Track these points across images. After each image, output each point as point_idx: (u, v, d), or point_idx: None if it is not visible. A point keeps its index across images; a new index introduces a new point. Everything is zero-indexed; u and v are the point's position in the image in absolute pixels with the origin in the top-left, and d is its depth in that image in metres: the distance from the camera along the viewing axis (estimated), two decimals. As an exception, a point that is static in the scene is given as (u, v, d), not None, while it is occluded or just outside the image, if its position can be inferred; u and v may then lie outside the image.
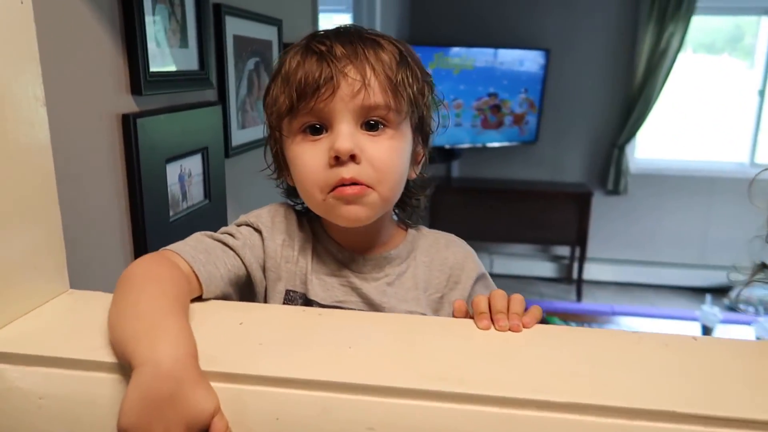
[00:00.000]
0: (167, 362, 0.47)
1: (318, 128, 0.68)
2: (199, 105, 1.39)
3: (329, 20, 4.13)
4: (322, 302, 0.72)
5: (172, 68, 1.26)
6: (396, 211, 0.80)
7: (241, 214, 1.60)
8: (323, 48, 0.66)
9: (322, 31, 0.71)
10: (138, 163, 1.13)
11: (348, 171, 0.66)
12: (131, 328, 0.51)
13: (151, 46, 1.16)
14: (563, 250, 4.57)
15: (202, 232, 0.73)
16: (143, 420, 0.45)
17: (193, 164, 1.39)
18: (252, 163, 1.79)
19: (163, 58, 1.22)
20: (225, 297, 0.68)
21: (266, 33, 1.80)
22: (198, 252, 0.67)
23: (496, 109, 4.30)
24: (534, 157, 4.55)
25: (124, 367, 0.51)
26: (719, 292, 4.41)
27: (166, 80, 1.23)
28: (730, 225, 4.43)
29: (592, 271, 4.51)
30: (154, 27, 1.18)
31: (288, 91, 0.67)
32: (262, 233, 0.74)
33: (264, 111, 0.75)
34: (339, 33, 0.69)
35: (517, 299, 0.61)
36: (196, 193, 1.41)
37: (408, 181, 0.74)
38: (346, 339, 0.55)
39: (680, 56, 4.19)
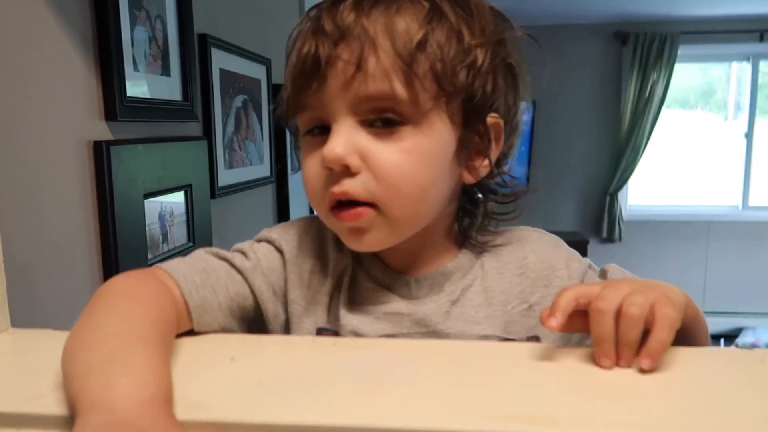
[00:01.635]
0: (126, 406, 0.33)
1: (322, 127, 0.52)
2: (183, 138, 1.28)
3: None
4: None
5: (152, 96, 1.15)
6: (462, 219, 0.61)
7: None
8: (326, 19, 0.50)
9: None
10: (111, 195, 1.00)
11: (340, 186, 0.50)
12: (85, 359, 0.37)
13: (128, 69, 1.05)
14: (562, 301, 4.43)
15: (207, 249, 0.58)
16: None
17: (176, 203, 1.26)
18: (241, 207, 1.66)
19: (141, 84, 1.11)
20: (225, 332, 0.53)
21: (255, 71, 1.71)
22: (194, 272, 0.52)
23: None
24: (525, 205, 4.47)
25: (66, 421, 0.37)
26: (725, 338, 4.28)
27: (145, 107, 1.12)
28: (728, 269, 4.35)
29: (593, 322, 4.37)
30: (133, 49, 1.07)
31: (286, 81, 0.54)
32: (284, 255, 0.58)
33: None
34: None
35: (631, 319, 0.40)
36: (178, 235, 1.27)
37: (468, 186, 0.58)
38: (377, 373, 0.41)
39: (665, 104, 4.22)
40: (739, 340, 4.20)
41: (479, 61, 0.51)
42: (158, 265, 0.53)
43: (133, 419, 0.32)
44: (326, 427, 0.35)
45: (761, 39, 4.23)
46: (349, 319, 0.56)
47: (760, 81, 4.37)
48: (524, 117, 0.60)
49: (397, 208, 0.51)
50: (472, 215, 0.60)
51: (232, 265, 0.56)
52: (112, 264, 1.02)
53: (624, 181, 4.39)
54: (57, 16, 0.90)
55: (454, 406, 0.36)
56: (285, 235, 0.59)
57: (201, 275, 0.52)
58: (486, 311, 0.56)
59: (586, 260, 0.60)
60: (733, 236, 4.37)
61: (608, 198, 4.40)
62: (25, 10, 0.84)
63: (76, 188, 0.96)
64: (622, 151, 4.35)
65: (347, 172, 0.50)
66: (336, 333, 0.56)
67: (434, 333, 0.55)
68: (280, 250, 0.58)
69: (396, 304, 0.56)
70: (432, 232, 0.57)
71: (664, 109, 4.31)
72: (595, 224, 4.49)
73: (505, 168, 0.59)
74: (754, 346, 4.18)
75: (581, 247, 4.16)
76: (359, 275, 0.58)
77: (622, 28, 4.22)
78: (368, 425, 0.35)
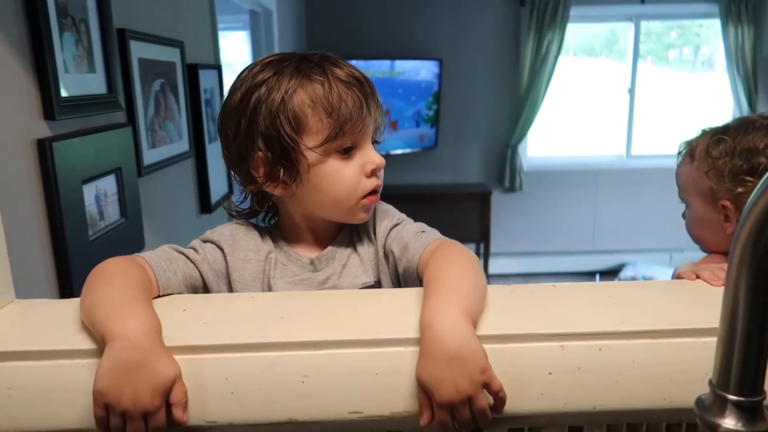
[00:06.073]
0: (135, 336, 0.57)
1: (350, 148, 0.80)
2: (110, 127, 1.44)
3: (227, 39, 4.16)
4: None
5: (82, 92, 1.30)
6: None
7: (156, 232, 1.66)
8: (349, 79, 0.78)
9: (305, 55, 0.81)
10: (56, 185, 1.17)
11: (379, 180, 0.83)
12: (104, 311, 0.60)
13: (60, 72, 1.20)
14: (469, 248, 4.79)
15: (170, 245, 0.81)
16: (115, 384, 0.54)
17: (108, 184, 1.43)
18: (165, 181, 1.83)
19: (72, 84, 1.26)
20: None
21: (169, 55, 1.85)
22: (161, 260, 0.76)
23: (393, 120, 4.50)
24: (435, 161, 4.79)
25: (87, 352, 0.60)
26: (610, 273, 4.84)
27: (77, 104, 1.27)
28: (614, 212, 4.88)
29: (497, 265, 4.80)
30: (63, 54, 1.22)
31: (334, 118, 0.77)
32: (224, 250, 0.82)
33: (263, 130, 0.78)
34: (331, 59, 0.81)
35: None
36: (112, 213, 1.45)
37: None
38: (278, 312, 0.66)
39: (560, 61, 4.58)
40: (621, 274, 4.77)
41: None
42: (136, 254, 0.75)
43: (140, 343, 0.56)
44: (251, 344, 0.59)
45: (642, 1, 4.65)
46: (275, 287, 0.82)
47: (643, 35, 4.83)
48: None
49: None
50: None
51: (187, 257, 0.80)
52: (60, 242, 1.20)
53: (523, 134, 4.74)
54: (-4, 33, 1.05)
55: (324, 326, 0.62)
56: (221, 235, 0.84)
57: (166, 262, 0.76)
58: (361, 268, 0.85)
59: (397, 218, 0.87)
60: (618, 183, 4.87)
61: (510, 151, 4.75)
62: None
63: (25, 180, 1.12)
64: (521, 107, 4.68)
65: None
66: None
67: (334, 287, 0.83)
68: (220, 248, 0.83)
69: (305, 274, 0.84)
70: None
71: (571, 57, 4.66)
72: (498, 175, 4.85)
73: None
74: (633, 278, 4.76)
75: (486, 198, 4.53)
76: (280, 259, 0.84)
77: (520, -10, 4.51)
78: (276, 341, 0.60)
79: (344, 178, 0.80)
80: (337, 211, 0.82)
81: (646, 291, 0.71)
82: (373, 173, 0.81)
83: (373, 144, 0.83)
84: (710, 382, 0.46)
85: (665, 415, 0.62)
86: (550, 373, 0.60)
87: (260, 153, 0.79)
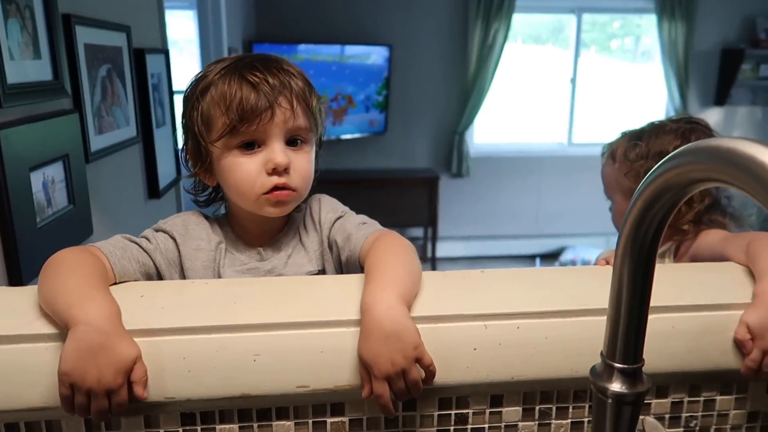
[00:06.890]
0: (97, 320, 0.61)
1: (252, 144, 0.82)
2: (57, 114, 1.44)
3: (174, 18, 4.09)
4: None
5: (28, 79, 1.30)
6: None
7: (104, 218, 1.67)
8: (257, 79, 0.80)
9: (247, 56, 0.84)
10: (3, 173, 1.17)
11: (281, 178, 0.83)
12: (65, 300, 0.64)
13: (6, 59, 1.20)
14: (417, 232, 4.94)
15: (122, 235, 0.84)
16: (80, 365, 0.59)
17: (56, 171, 1.43)
18: (113, 167, 1.83)
19: (18, 71, 1.26)
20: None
21: (116, 40, 1.84)
22: (116, 249, 0.79)
23: (346, 103, 4.54)
24: (384, 146, 4.86)
25: (49, 336, 0.64)
26: (551, 256, 5.05)
27: (24, 91, 1.27)
28: (556, 198, 5.08)
29: (444, 249, 4.94)
30: (8, 41, 1.22)
31: (228, 115, 0.80)
32: (176, 240, 0.86)
33: (186, 121, 0.86)
34: (264, 61, 0.83)
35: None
36: (60, 199, 1.46)
37: None
38: (231, 297, 0.72)
39: (506, 49, 4.70)
40: (562, 257, 4.99)
41: (322, 110, 0.88)
42: (90, 245, 0.79)
43: (102, 327, 0.61)
44: (207, 326, 0.65)
45: (585, -7, 4.82)
46: (225, 276, 0.87)
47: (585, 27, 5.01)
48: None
49: (304, 191, 0.87)
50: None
51: (140, 246, 0.83)
52: (7, 229, 1.21)
53: (470, 121, 4.86)
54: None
55: (273, 310, 0.68)
56: (174, 225, 0.88)
57: (121, 251, 0.79)
58: (306, 258, 0.91)
59: (340, 210, 0.92)
60: (560, 170, 5.06)
61: (457, 137, 4.86)
62: None
63: (-28, 169, 1.13)
64: (469, 94, 4.78)
65: (284, 171, 0.82)
66: None
67: (280, 275, 0.88)
68: (172, 237, 0.87)
69: (253, 263, 0.89)
70: None
71: (519, 44, 4.79)
72: (445, 161, 4.96)
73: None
74: (572, 261, 4.99)
75: (433, 183, 4.65)
76: (229, 248, 0.90)
77: (468, -20, 4.60)
78: (230, 323, 0.65)
79: (242, 172, 0.83)
80: (246, 203, 0.86)
81: (561, 276, 0.81)
82: (274, 171, 0.82)
83: (298, 143, 0.84)
84: (601, 353, 0.55)
85: (572, 383, 0.71)
86: (475, 349, 0.68)
87: (189, 144, 0.87)
